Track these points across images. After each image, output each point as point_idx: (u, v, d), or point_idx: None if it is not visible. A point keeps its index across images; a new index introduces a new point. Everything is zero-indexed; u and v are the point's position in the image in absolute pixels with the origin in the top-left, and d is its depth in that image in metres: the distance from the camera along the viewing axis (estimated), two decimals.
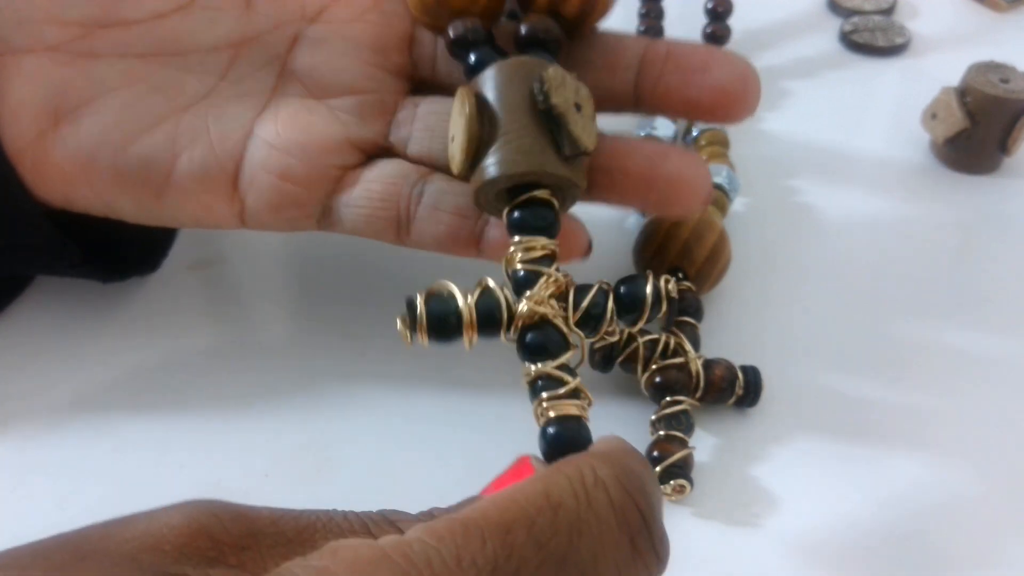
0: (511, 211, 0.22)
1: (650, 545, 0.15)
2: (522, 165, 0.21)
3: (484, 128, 0.21)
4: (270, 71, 0.26)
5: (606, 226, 0.26)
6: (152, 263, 0.31)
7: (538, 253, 0.21)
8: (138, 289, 0.31)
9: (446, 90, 0.26)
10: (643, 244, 0.29)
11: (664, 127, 0.36)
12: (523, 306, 0.20)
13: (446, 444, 0.26)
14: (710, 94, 0.23)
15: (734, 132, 0.37)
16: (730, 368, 0.26)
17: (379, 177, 0.25)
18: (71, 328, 0.30)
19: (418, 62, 0.26)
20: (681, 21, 0.44)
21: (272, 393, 0.28)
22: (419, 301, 0.20)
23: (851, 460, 0.25)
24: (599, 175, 0.24)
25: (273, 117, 0.25)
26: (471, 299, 0.20)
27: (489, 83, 0.22)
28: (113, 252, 0.28)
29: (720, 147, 0.35)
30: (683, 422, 0.25)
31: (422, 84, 0.27)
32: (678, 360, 0.26)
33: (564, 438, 0.19)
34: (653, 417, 0.25)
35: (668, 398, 0.25)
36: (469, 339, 0.20)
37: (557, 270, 0.21)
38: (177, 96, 0.25)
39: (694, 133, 0.36)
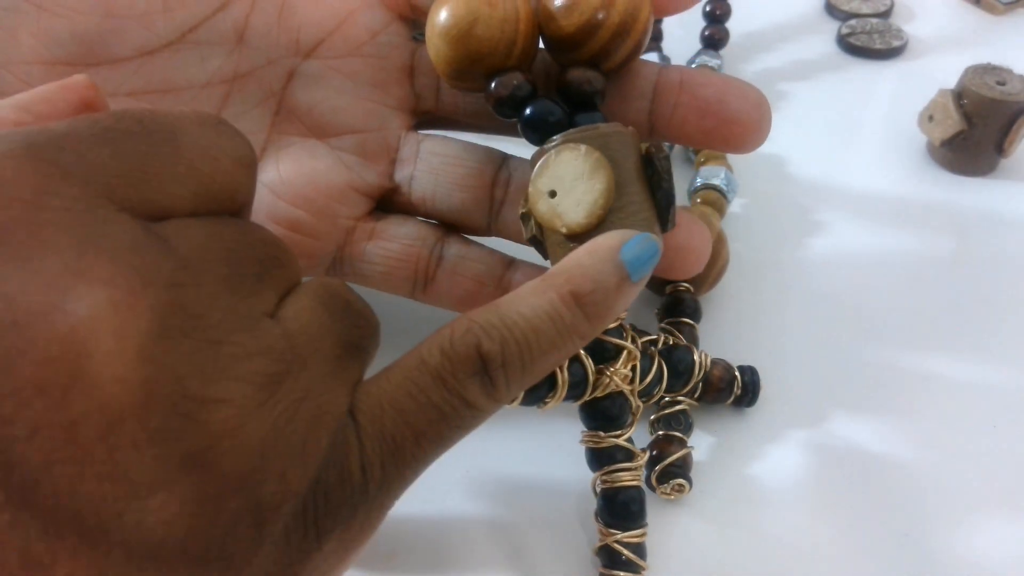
0: None
1: None
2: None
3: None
4: (266, 109, 0.25)
5: None
6: None
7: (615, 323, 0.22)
8: None
9: (449, 121, 0.26)
10: None
11: None
12: (606, 379, 0.22)
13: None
14: (727, 125, 0.23)
15: None
16: (728, 368, 0.26)
17: (396, 236, 0.25)
18: None
19: (420, 93, 0.26)
20: (679, 24, 0.44)
21: None
22: None
23: (848, 459, 0.26)
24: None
25: (274, 161, 0.24)
26: (564, 374, 0.22)
27: (605, 148, 0.21)
28: None
29: None
30: (682, 422, 0.25)
31: (425, 115, 0.26)
32: None
33: (624, 504, 0.22)
34: (652, 417, 0.26)
35: (667, 398, 0.26)
36: (551, 404, 0.22)
37: (634, 334, 0.23)
38: None
39: None
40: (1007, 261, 0.32)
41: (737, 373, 0.26)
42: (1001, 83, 0.34)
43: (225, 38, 0.25)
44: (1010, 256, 0.32)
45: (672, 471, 0.24)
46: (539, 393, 0.22)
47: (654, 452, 0.25)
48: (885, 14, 0.46)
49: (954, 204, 0.35)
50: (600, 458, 0.23)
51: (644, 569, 0.22)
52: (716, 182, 0.33)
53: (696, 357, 0.21)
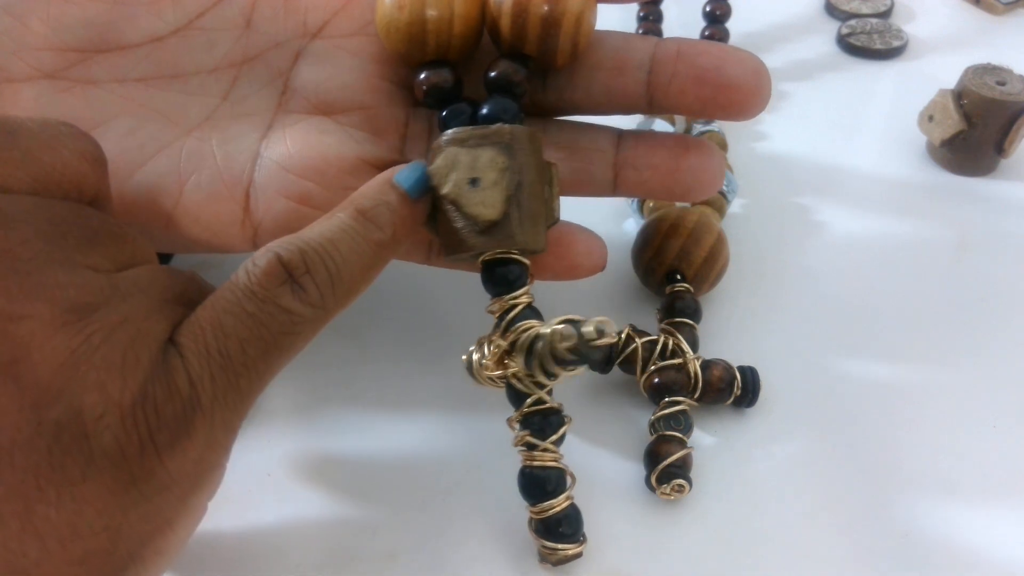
0: (482, 272, 0.23)
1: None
2: (450, 250, 0.23)
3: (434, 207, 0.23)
4: (273, 89, 0.25)
5: (605, 229, 0.27)
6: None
7: (504, 307, 0.23)
8: None
9: None
10: (641, 246, 0.29)
11: (662, 128, 0.36)
12: (475, 374, 0.23)
13: (444, 443, 0.26)
14: (725, 92, 0.23)
15: (732, 134, 0.37)
16: (728, 368, 0.26)
17: None
18: None
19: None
20: (679, 24, 0.44)
21: (274, 394, 0.28)
22: (468, 352, 0.24)
23: (848, 459, 0.26)
24: (629, 172, 0.25)
25: (282, 137, 0.25)
26: (480, 354, 0.23)
27: (509, 151, 0.23)
28: None
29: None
30: (682, 422, 0.25)
31: None
32: (676, 361, 0.26)
33: (528, 480, 0.23)
34: (652, 417, 0.26)
35: (667, 398, 0.26)
36: (487, 385, 0.24)
37: (523, 312, 0.23)
38: (180, 120, 0.24)
39: (692, 135, 0.36)
40: (1007, 261, 0.32)
41: (737, 373, 0.26)
42: (1001, 83, 0.34)
43: (233, 23, 0.25)
44: (1010, 256, 0.32)
45: (672, 471, 0.24)
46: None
47: (654, 452, 0.25)
48: (885, 14, 0.46)
49: (954, 204, 0.35)
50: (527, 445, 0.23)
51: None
52: None
53: (589, 328, 0.21)
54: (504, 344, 0.22)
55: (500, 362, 0.23)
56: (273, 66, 0.25)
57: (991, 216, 0.34)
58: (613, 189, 0.25)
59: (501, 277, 0.23)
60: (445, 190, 0.22)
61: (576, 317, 0.21)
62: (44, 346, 0.15)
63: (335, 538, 0.24)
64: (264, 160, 0.24)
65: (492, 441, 0.26)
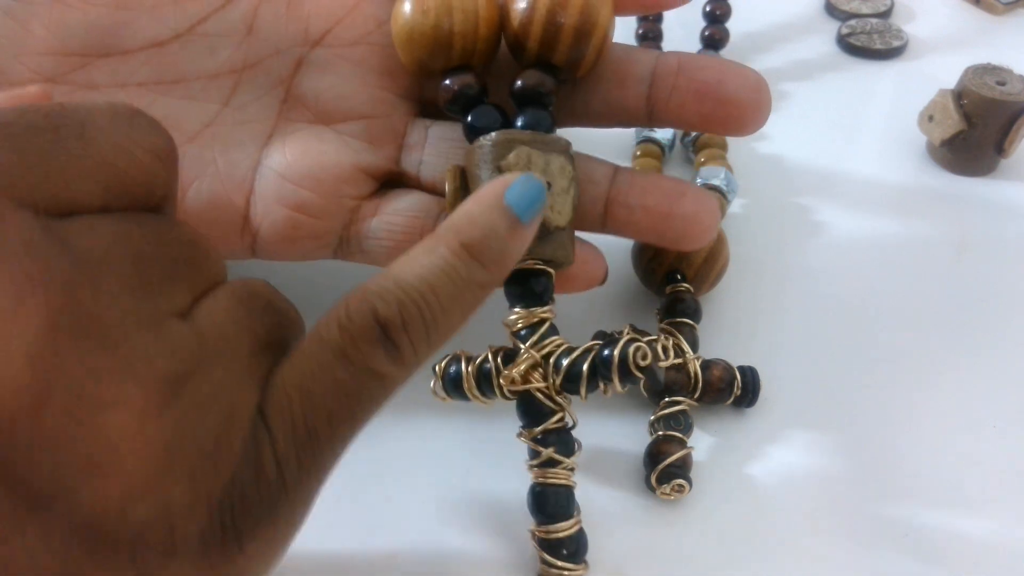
0: (505, 282, 0.23)
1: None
2: None
3: None
4: (274, 97, 0.25)
5: None
6: None
7: (531, 321, 0.23)
8: None
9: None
10: (641, 246, 0.29)
11: (663, 130, 0.36)
12: (502, 382, 0.22)
13: (444, 444, 0.26)
14: (725, 108, 0.23)
15: None
16: (728, 368, 0.26)
17: (400, 210, 0.25)
18: None
19: (426, 83, 0.26)
20: (679, 24, 0.44)
21: None
22: (440, 365, 0.23)
23: (849, 460, 0.26)
24: (620, 210, 0.25)
25: (281, 145, 0.25)
26: (472, 367, 0.23)
27: (471, 161, 0.23)
28: None
29: (718, 149, 0.35)
30: (681, 422, 0.25)
31: (430, 104, 0.26)
32: (676, 361, 0.26)
33: (542, 499, 0.22)
34: (652, 417, 0.26)
35: (667, 398, 0.26)
36: (476, 399, 0.23)
37: (550, 327, 0.22)
38: (181, 126, 0.24)
39: (692, 135, 0.36)
40: (1007, 262, 0.32)
41: (737, 373, 0.26)
42: (1001, 83, 0.34)
43: (234, 29, 0.25)
44: (1010, 257, 0.32)
45: (672, 471, 0.24)
46: (463, 392, 0.23)
47: (654, 452, 0.25)
48: (885, 14, 0.46)
49: (953, 204, 0.35)
50: (531, 454, 0.23)
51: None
52: (716, 182, 0.33)
53: (634, 349, 0.21)
54: (537, 356, 0.22)
55: (529, 374, 0.22)
56: (274, 73, 0.25)
57: (991, 216, 0.34)
58: (602, 225, 0.25)
59: (530, 289, 0.23)
60: None
61: (631, 335, 0.21)
62: (135, 438, 0.13)
63: (334, 539, 0.24)
64: (264, 168, 0.24)
65: (492, 442, 0.26)
